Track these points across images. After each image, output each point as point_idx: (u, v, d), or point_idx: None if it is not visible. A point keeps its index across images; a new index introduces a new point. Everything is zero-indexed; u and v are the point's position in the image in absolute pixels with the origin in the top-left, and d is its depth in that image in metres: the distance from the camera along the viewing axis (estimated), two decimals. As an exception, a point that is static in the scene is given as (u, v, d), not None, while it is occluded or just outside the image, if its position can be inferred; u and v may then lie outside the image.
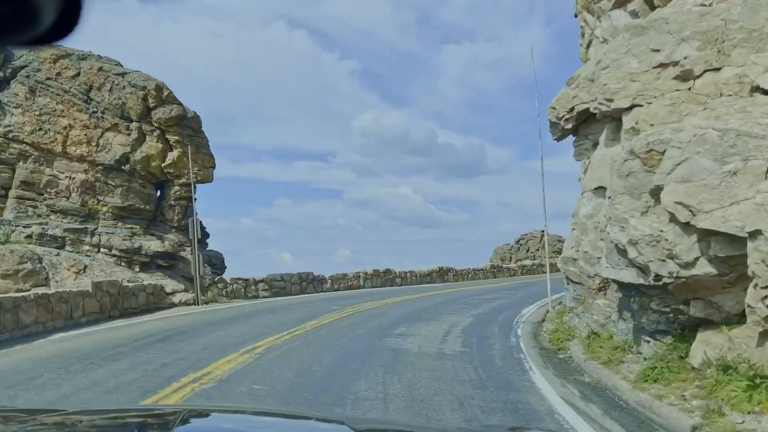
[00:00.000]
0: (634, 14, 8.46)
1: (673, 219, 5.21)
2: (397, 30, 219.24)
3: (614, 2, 8.98)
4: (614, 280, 6.63)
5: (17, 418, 1.64)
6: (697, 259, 5.10)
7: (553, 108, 9.05)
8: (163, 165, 18.29)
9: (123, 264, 17.50)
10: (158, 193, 19.09)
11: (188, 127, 18.89)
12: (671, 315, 5.91)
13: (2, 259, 15.24)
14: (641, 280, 5.70)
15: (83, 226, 17.71)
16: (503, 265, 32.51)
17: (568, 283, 9.93)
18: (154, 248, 17.79)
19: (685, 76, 6.27)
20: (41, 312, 11.45)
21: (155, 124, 18.32)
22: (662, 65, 6.50)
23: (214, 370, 6.96)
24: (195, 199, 18.17)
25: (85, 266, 16.60)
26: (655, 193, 5.41)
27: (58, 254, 16.67)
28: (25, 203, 17.84)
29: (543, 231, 56.40)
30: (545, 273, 37.80)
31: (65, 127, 17.80)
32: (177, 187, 18.63)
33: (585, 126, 8.93)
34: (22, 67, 17.98)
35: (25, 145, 17.73)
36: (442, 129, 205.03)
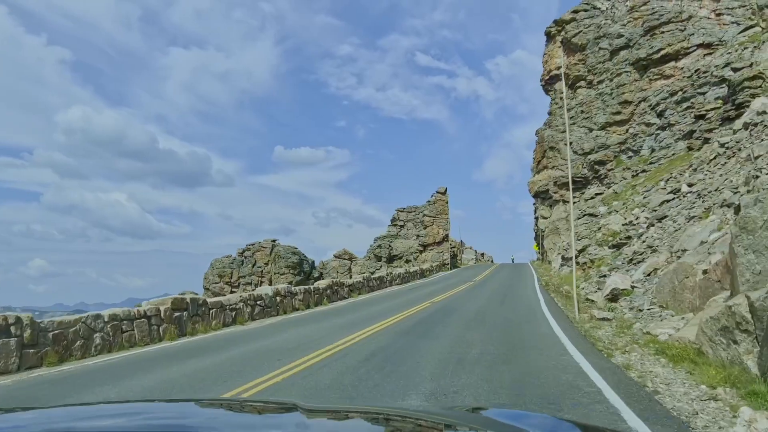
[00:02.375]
0: None
1: None
2: (118, 24, 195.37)
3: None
4: None
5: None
6: None
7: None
8: None
9: None
10: None
11: None
12: None
13: None
14: None
15: None
16: (230, 296, 16.51)
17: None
18: None
19: None
20: None
21: None
22: None
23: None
24: None
25: None
26: None
27: None
28: None
29: (274, 240, 40.60)
30: (313, 308, 20.03)
31: None
32: None
33: None
34: None
35: None
36: (164, 134, 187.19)
